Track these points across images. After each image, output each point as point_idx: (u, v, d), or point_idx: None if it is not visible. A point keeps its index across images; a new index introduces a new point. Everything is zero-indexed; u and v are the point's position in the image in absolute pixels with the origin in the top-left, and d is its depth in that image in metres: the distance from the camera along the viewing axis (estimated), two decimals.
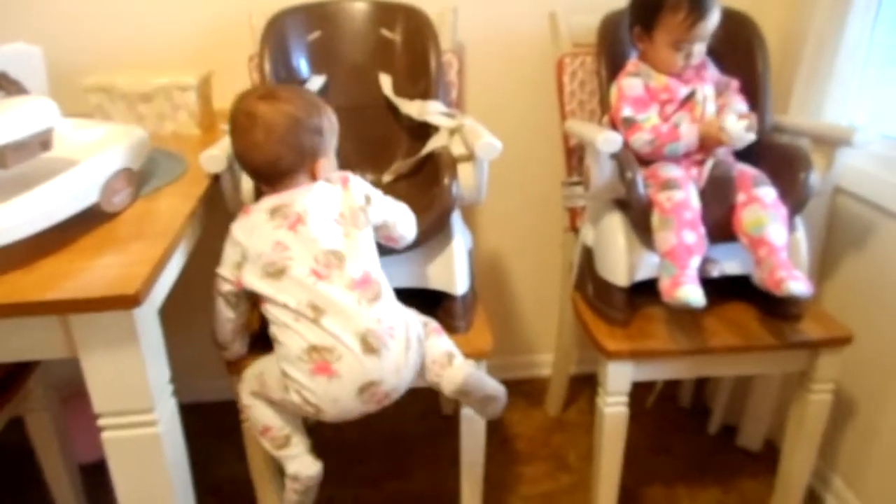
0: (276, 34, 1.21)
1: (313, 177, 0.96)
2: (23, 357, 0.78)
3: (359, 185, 0.97)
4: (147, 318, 0.76)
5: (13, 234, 0.72)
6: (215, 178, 1.01)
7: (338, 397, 0.89)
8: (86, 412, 1.17)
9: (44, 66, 1.16)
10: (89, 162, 0.84)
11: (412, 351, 0.94)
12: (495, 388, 0.98)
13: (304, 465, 0.99)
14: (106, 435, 0.78)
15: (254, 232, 0.92)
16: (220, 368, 1.05)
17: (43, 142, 0.83)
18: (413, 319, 0.98)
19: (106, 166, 0.86)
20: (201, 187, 0.98)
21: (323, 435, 1.03)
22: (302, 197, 0.92)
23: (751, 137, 1.11)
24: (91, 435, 1.25)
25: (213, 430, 1.37)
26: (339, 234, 0.91)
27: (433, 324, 1.03)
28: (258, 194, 0.99)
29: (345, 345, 0.87)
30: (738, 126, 1.09)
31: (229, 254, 0.94)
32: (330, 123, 0.97)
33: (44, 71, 1.16)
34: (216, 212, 1.02)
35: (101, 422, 0.78)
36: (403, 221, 1.00)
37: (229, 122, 0.96)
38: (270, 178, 0.95)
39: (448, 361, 0.98)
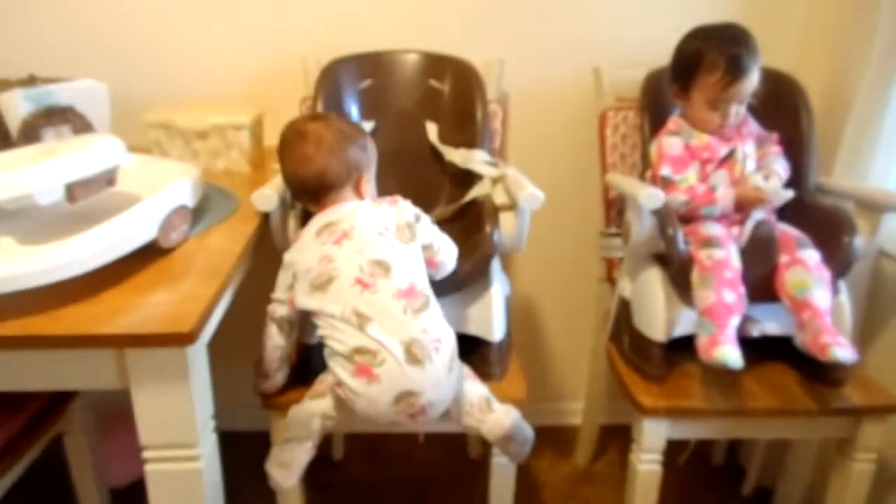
0: (330, 80, 1.25)
1: (358, 194, 1.00)
2: (79, 386, 0.80)
3: (408, 205, 1.00)
4: (198, 354, 0.79)
5: (78, 267, 0.76)
6: (265, 217, 1.05)
7: (375, 400, 0.89)
8: (118, 436, 1.20)
9: (108, 101, 1.22)
10: (151, 199, 0.88)
11: (454, 373, 0.94)
12: (530, 436, 0.98)
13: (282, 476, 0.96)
14: (150, 467, 0.80)
15: (303, 252, 0.95)
16: (254, 399, 1.06)
17: (109, 179, 0.87)
18: (456, 346, 0.98)
19: (166, 203, 0.90)
20: (251, 225, 1.01)
21: (349, 475, 1.03)
22: (349, 214, 0.95)
23: (789, 194, 1.11)
24: (123, 460, 1.28)
25: (243, 460, 1.38)
26: (386, 245, 0.93)
27: (467, 369, 1.03)
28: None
29: (389, 350, 0.87)
30: (774, 183, 1.09)
31: (282, 278, 0.97)
32: (372, 146, 1.03)
33: (108, 106, 1.22)
34: (263, 249, 1.05)
35: (146, 454, 0.79)
36: (446, 249, 1.01)
37: (279, 145, 1.01)
38: (318, 193, 0.98)
39: (488, 406, 0.97)
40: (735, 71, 1.11)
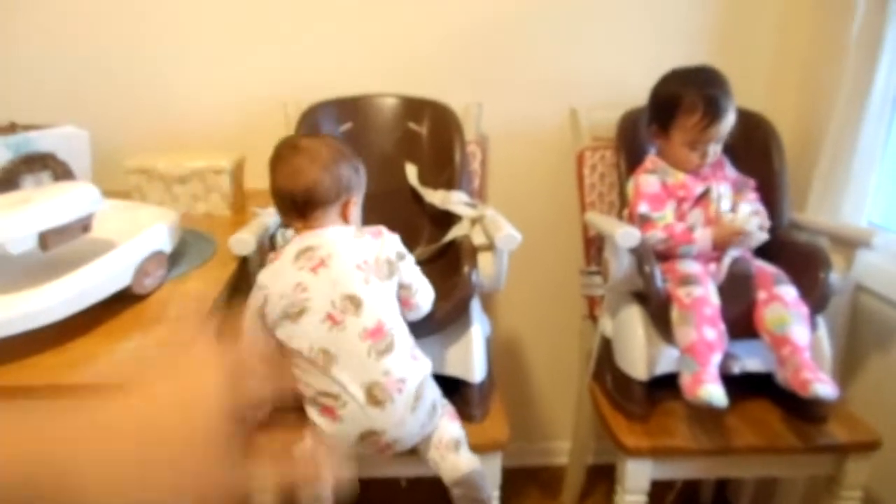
0: (310, 124, 1.27)
1: (344, 217, 1.00)
2: None
3: (392, 240, 0.99)
4: None
5: (50, 315, 0.75)
6: (243, 261, 1.04)
7: (341, 438, 0.92)
8: None
9: (89, 148, 1.22)
10: (125, 246, 0.87)
11: (422, 410, 0.93)
12: (488, 495, 0.97)
13: None
14: None
15: (278, 275, 0.94)
16: None
17: (84, 226, 0.86)
18: (433, 385, 0.98)
19: (140, 249, 0.89)
20: (229, 270, 1.01)
21: None
22: (330, 241, 0.94)
23: (764, 237, 1.12)
24: None
25: None
26: (360, 279, 0.93)
27: (449, 407, 1.02)
28: None
29: (350, 394, 0.89)
30: (753, 223, 1.11)
31: (253, 299, 0.95)
32: (363, 172, 1.03)
33: (88, 152, 1.22)
34: (242, 292, 1.04)
35: None
36: (424, 292, 1.01)
37: (272, 158, 1.00)
38: (305, 208, 0.97)
39: (455, 448, 0.97)
40: (713, 112, 1.13)
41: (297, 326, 0.91)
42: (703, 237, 1.14)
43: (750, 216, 1.18)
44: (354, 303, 0.91)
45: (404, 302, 0.99)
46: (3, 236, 0.75)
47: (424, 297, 1.01)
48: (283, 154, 0.99)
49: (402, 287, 0.98)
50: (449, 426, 0.99)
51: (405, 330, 0.96)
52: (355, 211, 1.02)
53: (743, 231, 1.13)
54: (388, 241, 0.98)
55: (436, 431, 0.98)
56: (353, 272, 0.93)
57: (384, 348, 0.91)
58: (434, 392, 0.98)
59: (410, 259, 1.00)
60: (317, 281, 0.92)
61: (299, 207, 0.98)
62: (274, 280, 0.94)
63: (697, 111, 1.14)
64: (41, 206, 0.80)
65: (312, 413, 0.92)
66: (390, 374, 0.90)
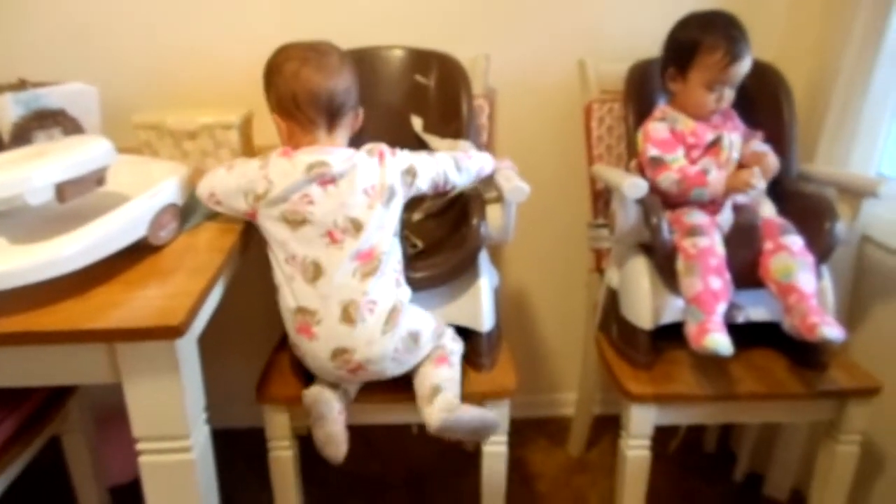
0: None
1: (352, 131, 1.03)
2: (71, 381, 0.82)
3: (397, 162, 1.00)
4: (187, 348, 0.80)
5: (68, 265, 0.77)
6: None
7: (315, 356, 0.97)
8: (117, 435, 1.22)
9: (98, 104, 1.23)
10: (140, 198, 0.89)
11: (395, 336, 0.96)
12: (482, 419, 0.98)
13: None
14: (143, 459, 0.81)
15: (287, 177, 0.94)
16: (248, 396, 1.08)
17: (98, 179, 0.88)
18: (419, 318, 1.00)
19: (154, 202, 0.91)
20: (240, 223, 1.03)
21: (344, 469, 1.04)
22: (340, 162, 0.95)
23: (761, 185, 1.13)
24: (122, 457, 1.29)
25: (239, 458, 1.40)
26: (365, 204, 0.95)
27: (439, 351, 1.03)
28: None
29: (327, 310, 0.93)
30: (762, 181, 1.11)
31: (253, 179, 0.95)
32: None
33: (98, 108, 1.23)
34: (252, 244, 1.06)
35: (140, 446, 0.81)
36: (450, 173, 1.05)
37: (273, 64, 0.99)
38: (340, 111, 0.98)
39: (429, 399, 0.99)
40: (734, 51, 1.13)
41: (294, 233, 0.94)
42: (716, 179, 1.14)
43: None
44: (356, 226, 0.94)
45: (439, 190, 1.06)
46: (23, 187, 0.77)
47: (453, 175, 1.05)
48: (307, 56, 0.97)
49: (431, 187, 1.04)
50: (431, 373, 1.01)
51: (397, 256, 0.99)
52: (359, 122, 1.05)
53: (753, 183, 1.12)
54: (390, 165, 0.99)
55: (417, 377, 1.01)
56: (360, 196, 0.95)
57: (369, 271, 0.94)
58: (416, 324, 0.99)
59: (422, 165, 1.02)
60: (325, 197, 0.94)
61: (334, 110, 0.98)
62: (282, 179, 0.94)
63: (719, 50, 1.13)
64: (57, 159, 0.82)
65: (291, 333, 0.98)
66: (367, 294, 0.94)
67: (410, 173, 1.01)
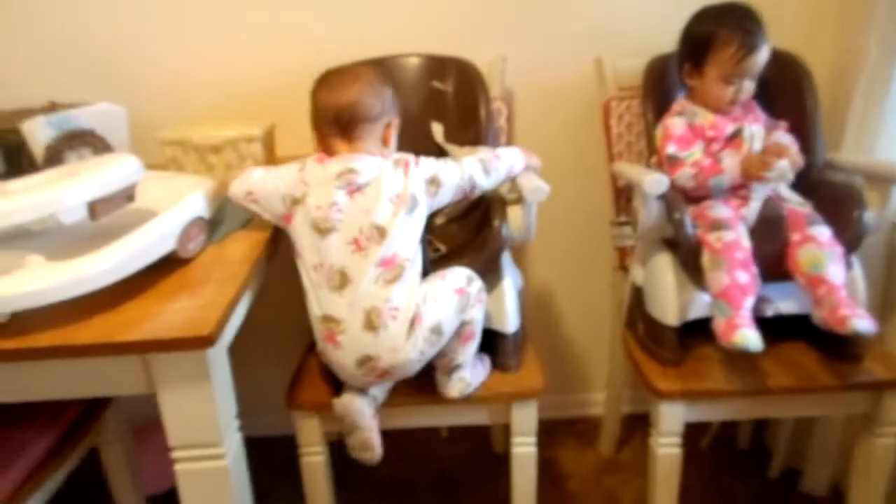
0: None
1: (385, 141, 1.04)
2: (106, 392, 0.85)
3: (420, 171, 1.01)
4: (218, 357, 0.82)
5: (102, 280, 0.80)
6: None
7: (342, 364, 0.98)
8: (153, 445, 1.24)
9: (126, 123, 1.27)
10: (168, 213, 0.92)
11: (419, 337, 0.97)
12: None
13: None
14: (179, 467, 0.83)
15: (321, 185, 0.98)
16: (278, 404, 1.10)
17: (129, 195, 0.90)
18: (443, 303, 0.99)
19: (182, 216, 0.93)
20: (266, 233, 1.05)
21: (375, 471, 1.06)
22: (368, 170, 0.98)
23: (790, 175, 1.11)
24: (158, 467, 1.32)
25: (270, 465, 1.42)
26: (390, 212, 0.97)
27: (471, 328, 1.03)
28: None
29: (352, 318, 0.95)
30: (782, 163, 1.09)
31: (293, 182, 0.99)
32: (399, 105, 1.08)
33: (126, 127, 1.27)
34: (278, 253, 1.08)
35: (175, 454, 0.83)
36: (477, 178, 1.06)
37: (313, 88, 1.04)
38: (349, 125, 1.00)
39: (448, 373, 1.04)
40: (749, 44, 1.12)
41: (323, 241, 0.96)
42: (731, 165, 1.13)
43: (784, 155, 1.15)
44: (381, 233, 0.96)
45: (470, 194, 1.07)
46: (56, 207, 0.79)
47: (480, 179, 1.06)
48: (327, 77, 1.05)
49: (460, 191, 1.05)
50: (456, 349, 1.03)
51: (419, 262, 1.00)
52: (395, 136, 1.06)
53: (769, 162, 1.10)
54: (413, 176, 1.00)
55: (441, 352, 1.02)
56: (385, 204, 0.97)
57: (392, 277, 0.95)
58: (438, 315, 0.98)
59: (445, 174, 1.03)
60: (352, 205, 0.96)
61: (343, 124, 1.00)
62: (316, 186, 0.98)
63: (733, 43, 1.12)
64: (88, 178, 0.85)
65: (319, 341, 1.00)
66: (390, 300, 0.95)
67: (434, 183, 1.02)
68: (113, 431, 1.25)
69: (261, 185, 1.02)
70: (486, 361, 1.12)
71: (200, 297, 0.84)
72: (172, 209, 0.93)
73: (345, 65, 1.11)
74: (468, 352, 1.04)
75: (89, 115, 1.19)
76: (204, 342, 0.75)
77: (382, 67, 1.30)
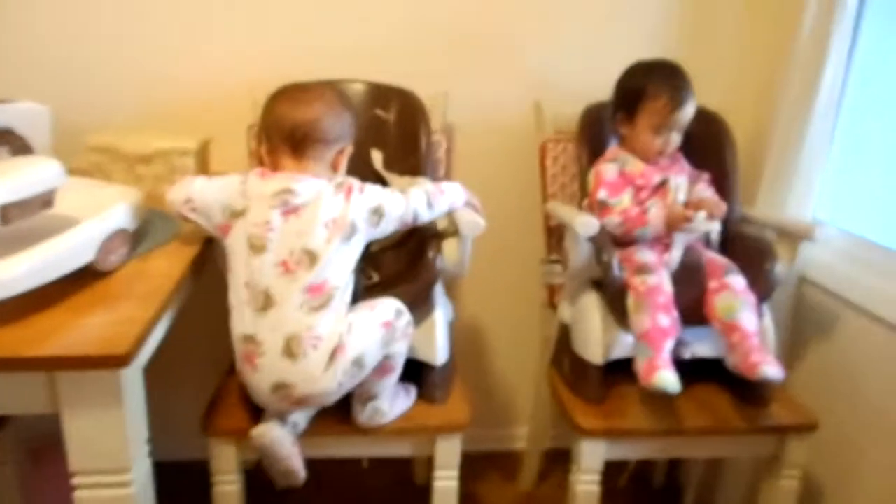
0: None
1: (335, 166, 1.02)
2: (6, 411, 0.78)
3: (364, 199, 0.99)
4: (133, 378, 0.78)
5: (10, 288, 0.74)
6: (208, 240, 1.04)
7: (256, 389, 0.96)
8: (51, 466, 1.16)
9: (49, 124, 1.20)
10: (88, 222, 0.87)
11: (338, 369, 0.94)
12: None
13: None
14: (79, 494, 0.78)
15: (259, 202, 0.95)
16: (193, 426, 1.05)
17: (45, 201, 0.85)
18: (366, 335, 0.96)
19: (104, 226, 0.89)
20: (193, 249, 1.01)
21: (291, 500, 1.02)
22: (306, 192, 0.96)
23: (710, 226, 1.17)
24: (54, 493, 1.23)
25: (182, 492, 1.34)
26: (324, 238, 0.94)
27: (391, 362, 1.01)
28: None
29: (272, 342, 0.92)
30: (700, 214, 1.16)
31: (234, 194, 0.97)
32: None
33: (49, 129, 1.20)
34: (205, 271, 1.04)
35: (76, 480, 0.78)
36: (421, 212, 1.05)
37: (270, 98, 1.02)
38: (301, 144, 0.98)
39: (363, 401, 1.03)
40: (677, 98, 1.19)
41: (254, 259, 0.94)
42: (655, 217, 1.19)
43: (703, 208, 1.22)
44: (311, 258, 0.93)
45: (411, 225, 1.06)
46: None
47: (423, 212, 1.06)
48: (289, 91, 1.03)
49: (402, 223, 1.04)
50: (373, 381, 1.01)
51: (349, 291, 0.98)
52: (345, 162, 1.04)
53: (690, 216, 1.16)
54: (355, 203, 0.98)
55: (364, 383, 1.01)
56: (319, 228, 0.95)
57: (318, 305, 0.93)
58: (361, 346, 0.95)
59: (389, 204, 1.01)
60: (285, 226, 0.94)
61: (297, 141, 0.98)
62: (256, 202, 0.95)
63: (662, 97, 1.19)
64: (2, 179, 0.79)
65: (237, 361, 0.97)
66: (312, 329, 0.93)
67: (378, 213, 1.00)
68: (7, 452, 1.16)
69: (201, 193, 0.99)
70: (412, 392, 1.11)
71: (118, 313, 0.80)
72: (94, 218, 0.88)
73: (309, 82, 1.09)
74: (386, 384, 1.03)
75: (10, 113, 1.13)
76: (118, 361, 0.71)
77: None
